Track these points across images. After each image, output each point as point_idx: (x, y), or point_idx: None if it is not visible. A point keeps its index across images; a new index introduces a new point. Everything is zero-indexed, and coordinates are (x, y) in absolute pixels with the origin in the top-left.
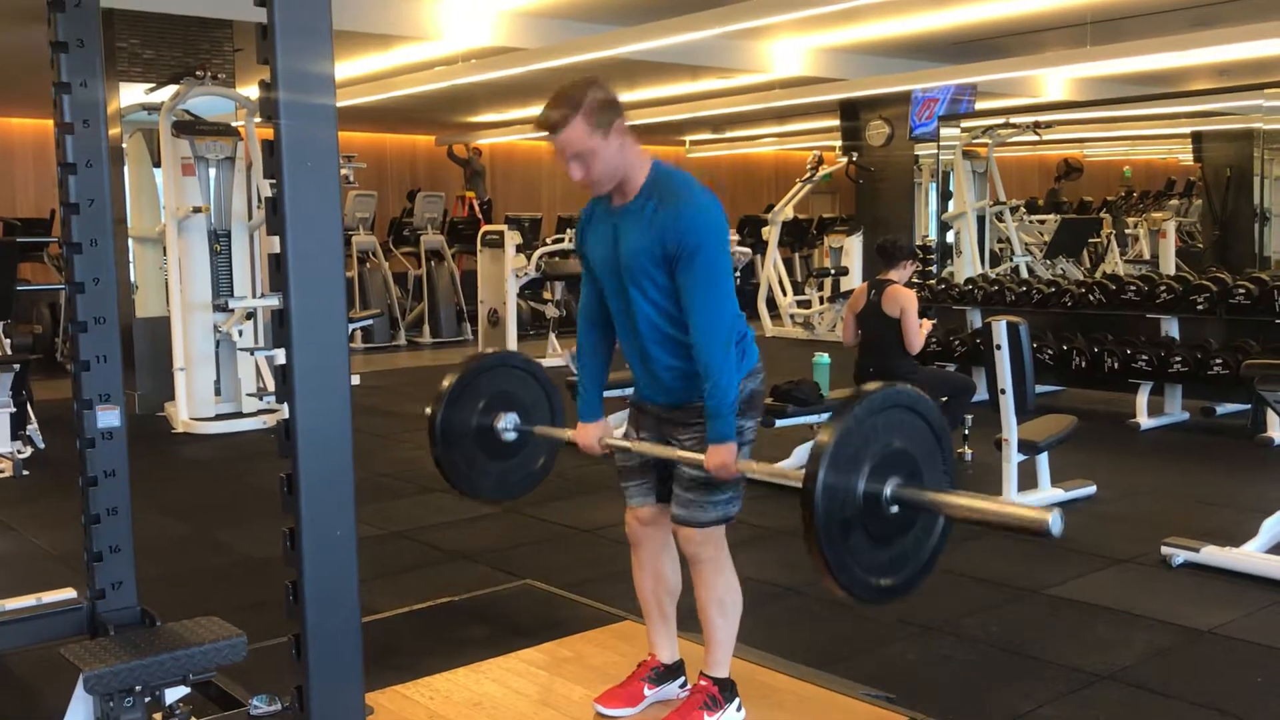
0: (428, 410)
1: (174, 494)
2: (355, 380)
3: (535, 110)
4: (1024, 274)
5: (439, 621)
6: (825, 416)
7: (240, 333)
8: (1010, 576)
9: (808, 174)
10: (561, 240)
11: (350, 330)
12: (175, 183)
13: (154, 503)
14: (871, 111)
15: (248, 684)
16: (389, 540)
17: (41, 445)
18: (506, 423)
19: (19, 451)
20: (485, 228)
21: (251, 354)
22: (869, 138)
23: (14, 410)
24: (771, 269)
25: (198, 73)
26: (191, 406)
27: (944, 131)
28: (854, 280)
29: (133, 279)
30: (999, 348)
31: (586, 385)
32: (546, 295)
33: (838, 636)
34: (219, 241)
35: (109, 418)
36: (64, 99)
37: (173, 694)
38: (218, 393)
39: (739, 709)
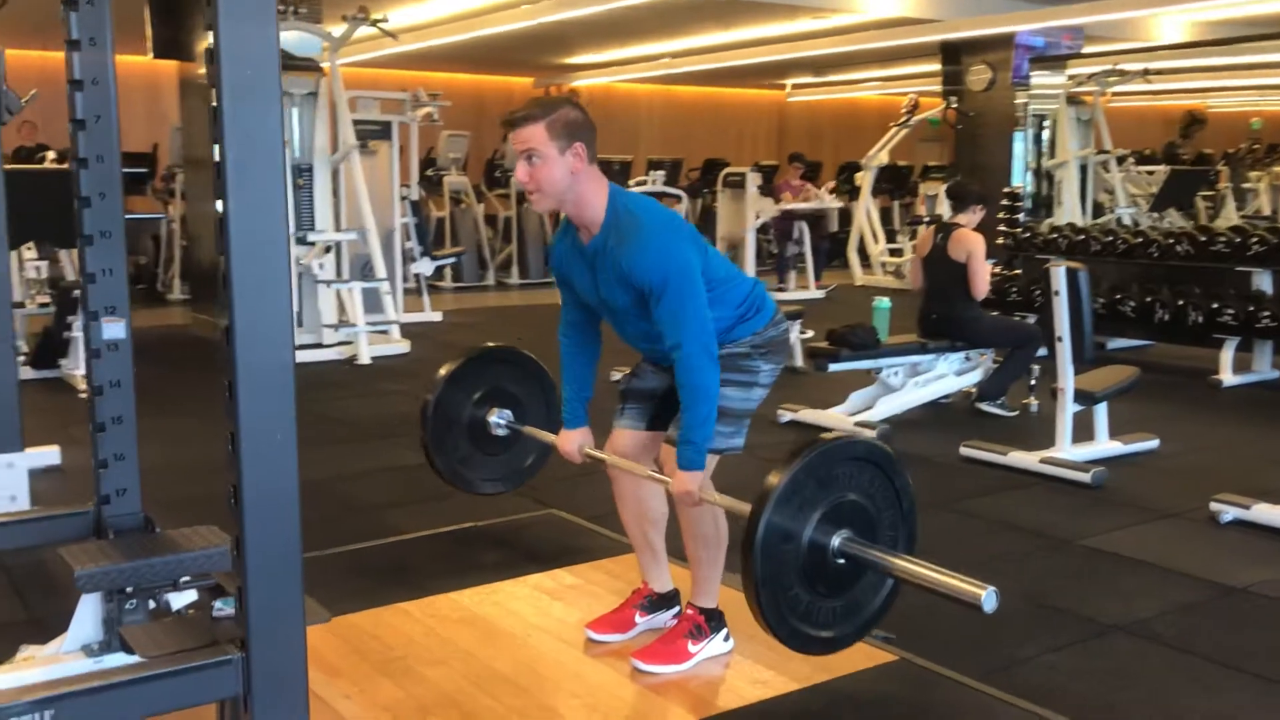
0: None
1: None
2: (438, 317)
3: (633, 50)
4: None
5: (458, 545)
6: (880, 362)
7: (321, 266)
8: (1048, 526)
9: (903, 118)
10: (645, 183)
11: (434, 268)
12: None
13: (215, 426)
14: (973, 55)
15: None
16: (405, 473)
17: None
18: (499, 418)
19: None
20: None
21: (328, 285)
22: (970, 82)
23: None
24: (863, 216)
25: (280, 7)
26: None
27: (1048, 79)
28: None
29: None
30: (1057, 294)
31: (570, 394)
32: None
33: None
34: (301, 176)
35: (114, 329)
36: (71, 15)
37: (181, 599)
38: (299, 324)
39: (726, 639)
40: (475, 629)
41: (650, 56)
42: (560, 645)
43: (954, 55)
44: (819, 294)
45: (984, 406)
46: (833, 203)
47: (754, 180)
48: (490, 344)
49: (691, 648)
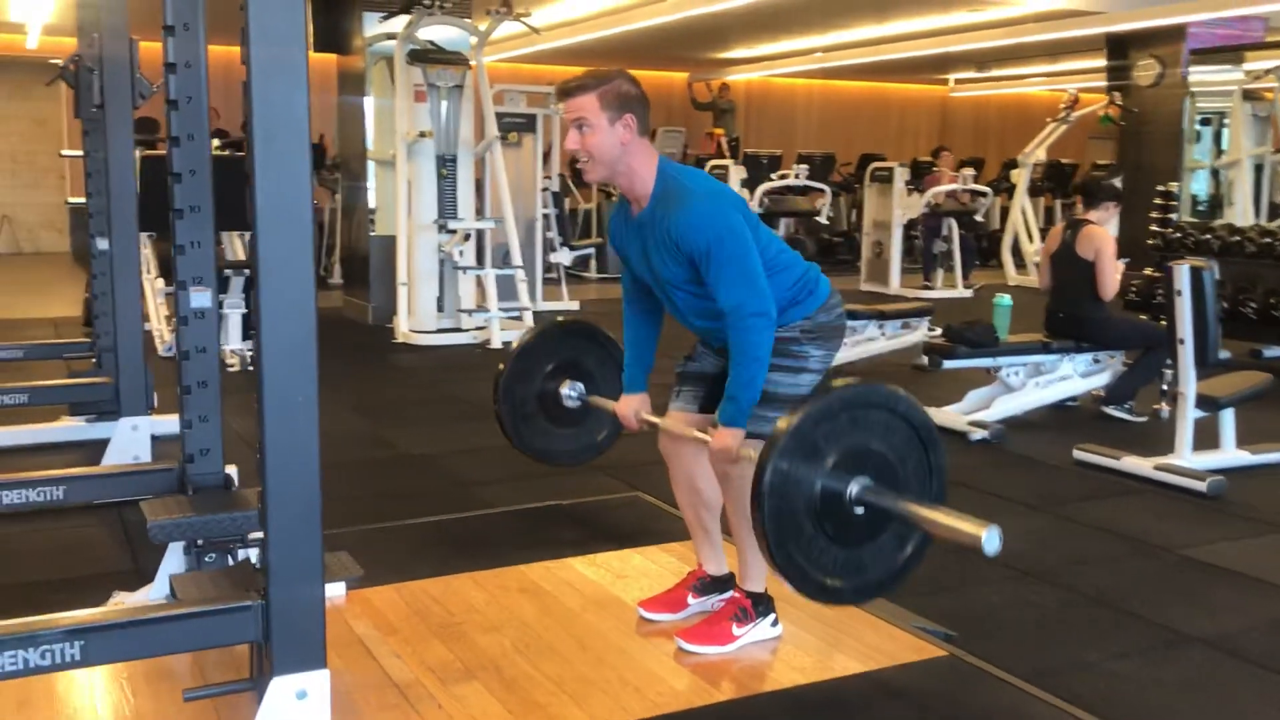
0: (500, 366)
1: (369, 395)
2: (575, 306)
3: (789, 44)
4: None
5: (540, 521)
6: (999, 360)
7: (461, 253)
8: (1148, 533)
9: (1062, 114)
10: (787, 176)
11: (572, 257)
12: (407, 109)
13: (347, 401)
14: (1141, 49)
15: None
16: (515, 452)
17: None
18: (571, 390)
19: (248, 350)
20: (712, 163)
21: (464, 272)
22: (1137, 77)
23: (245, 311)
24: (1018, 214)
25: (425, 2)
26: (413, 320)
27: (1217, 74)
28: (1108, 230)
29: (372, 201)
30: (1179, 294)
31: (630, 359)
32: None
33: (928, 573)
34: (445, 166)
35: (201, 298)
36: (167, 3)
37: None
38: (440, 309)
39: (774, 624)
40: (536, 601)
41: (804, 51)
42: (613, 621)
43: (1120, 49)
44: (967, 293)
45: (1110, 410)
46: (977, 186)
47: (901, 175)
48: (563, 319)
49: (736, 630)
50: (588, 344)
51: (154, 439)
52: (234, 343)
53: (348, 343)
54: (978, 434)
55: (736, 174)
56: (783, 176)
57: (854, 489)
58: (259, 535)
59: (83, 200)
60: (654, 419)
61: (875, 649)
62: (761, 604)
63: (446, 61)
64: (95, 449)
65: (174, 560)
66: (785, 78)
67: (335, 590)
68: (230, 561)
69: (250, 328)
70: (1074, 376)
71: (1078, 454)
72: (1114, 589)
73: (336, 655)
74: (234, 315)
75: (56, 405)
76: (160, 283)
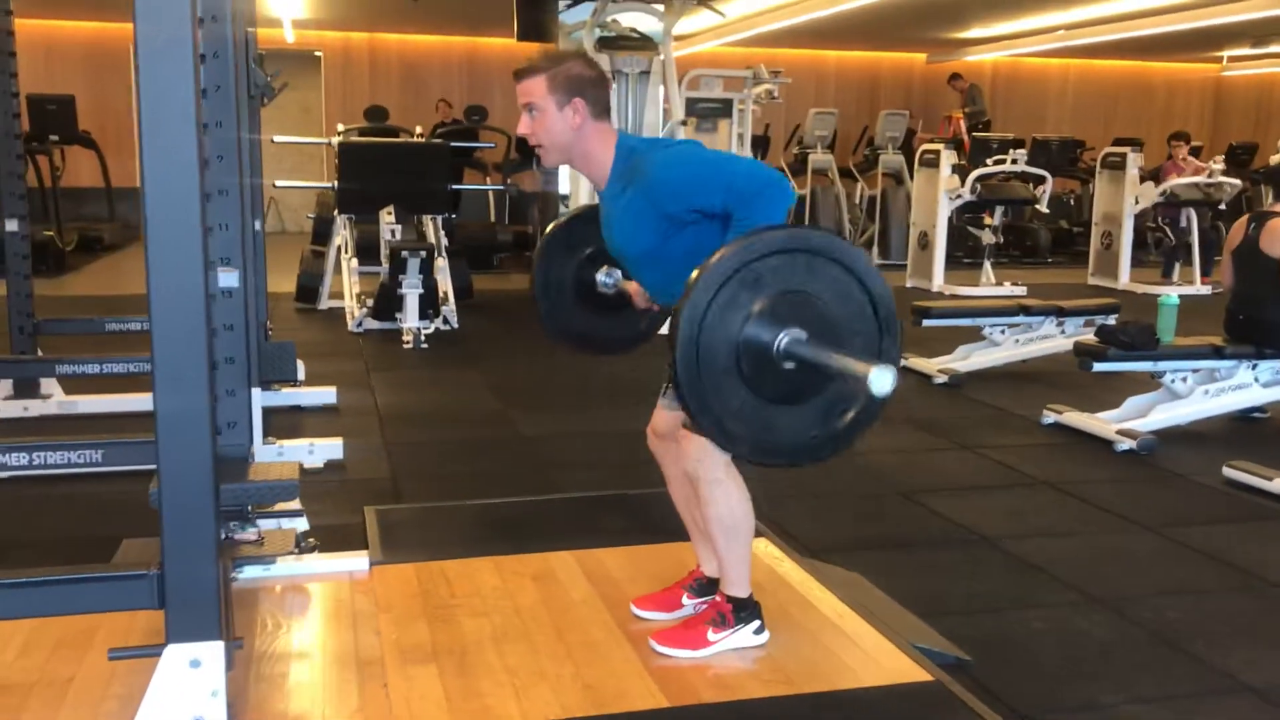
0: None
1: (514, 375)
2: None
3: (1032, 22)
4: None
5: (592, 509)
6: (1160, 365)
7: None
8: (1267, 567)
9: None
10: (1003, 161)
11: None
12: None
13: (489, 380)
14: None
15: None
16: (619, 438)
17: (455, 325)
18: (606, 276)
19: (423, 328)
20: (924, 146)
21: None
22: None
23: (422, 291)
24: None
25: None
26: None
27: None
28: None
29: (565, 186)
30: None
31: None
32: (986, 220)
33: (981, 592)
34: None
35: (228, 279)
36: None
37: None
38: None
39: (758, 632)
40: (541, 589)
41: (1047, 29)
42: (604, 616)
43: None
44: (1204, 290)
45: None
46: (1221, 179)
47: (1135, 161)
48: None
49: (712, 635)
50: None
51: (272, 410)
52: (411, 320)
53: (519, 322)
54: (1124, 444)
55: (947, 158)
56: (998, 162)
57: (784, 339)
58: (288, 505)
59: (328, 185)
60: None
61: (858, 667)
62: (744, 610)
63: (634, 48)
64: None
65: None
66: (1035, 57)
67: (358, 564)
68: (245, 531)
69: (428, 306)
70: (1253, 385)
71: (1227, 472)
72: (1185, 625)
73: (323, 628)
74: (411, 295)
75: None
76: (355, 263)
